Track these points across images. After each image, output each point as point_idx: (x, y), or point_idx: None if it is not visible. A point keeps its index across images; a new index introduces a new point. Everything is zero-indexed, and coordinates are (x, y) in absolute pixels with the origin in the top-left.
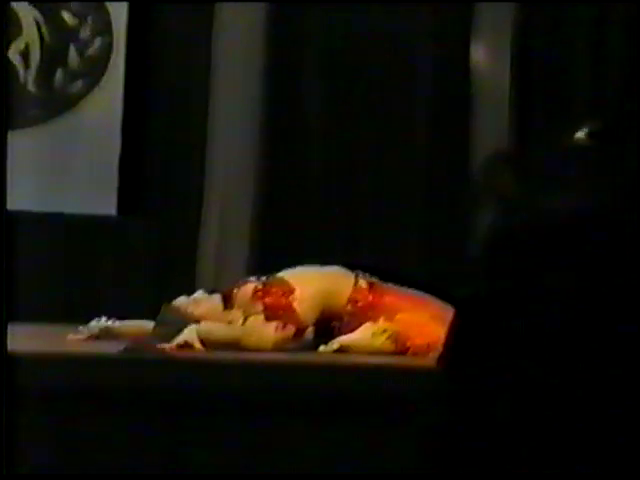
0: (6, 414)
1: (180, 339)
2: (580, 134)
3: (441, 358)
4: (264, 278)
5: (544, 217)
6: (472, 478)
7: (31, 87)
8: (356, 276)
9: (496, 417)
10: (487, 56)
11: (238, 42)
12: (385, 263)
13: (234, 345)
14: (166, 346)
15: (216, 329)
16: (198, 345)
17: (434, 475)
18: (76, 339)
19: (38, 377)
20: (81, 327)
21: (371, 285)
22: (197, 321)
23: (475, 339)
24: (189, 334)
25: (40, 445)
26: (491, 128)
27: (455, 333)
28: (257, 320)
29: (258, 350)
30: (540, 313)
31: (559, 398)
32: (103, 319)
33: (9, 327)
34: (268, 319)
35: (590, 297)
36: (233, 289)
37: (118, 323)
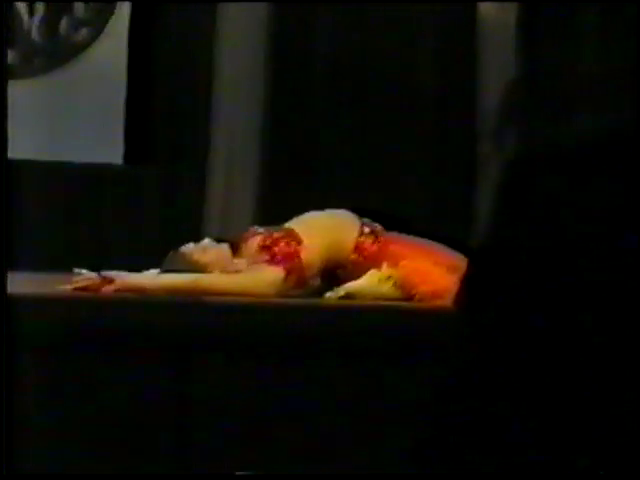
0: (6, 361)
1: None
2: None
3: (457, 300)
4: (272, 228)
5: (564, 143)
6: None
7: (35, 36)
8: (362, 225)
9: (514, 360)
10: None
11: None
12: (392, 210)
13: (235, 293)
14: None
15: (216, 281)
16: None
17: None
18: (71, 287)
19: (37, 319)
20: (77, 271)
21: (376, 233)
22: (203, 268)
23: (495, 279)
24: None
25: (39, 390)
26: (497, 72)
27: (473, 273)
28: (257, 266)
29: (260, 295)
30: (567, 250)
31: (579, 345)
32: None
33: (12, 275)
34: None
35: (618, 223)
36: (241, 239)
37: (123, 273)
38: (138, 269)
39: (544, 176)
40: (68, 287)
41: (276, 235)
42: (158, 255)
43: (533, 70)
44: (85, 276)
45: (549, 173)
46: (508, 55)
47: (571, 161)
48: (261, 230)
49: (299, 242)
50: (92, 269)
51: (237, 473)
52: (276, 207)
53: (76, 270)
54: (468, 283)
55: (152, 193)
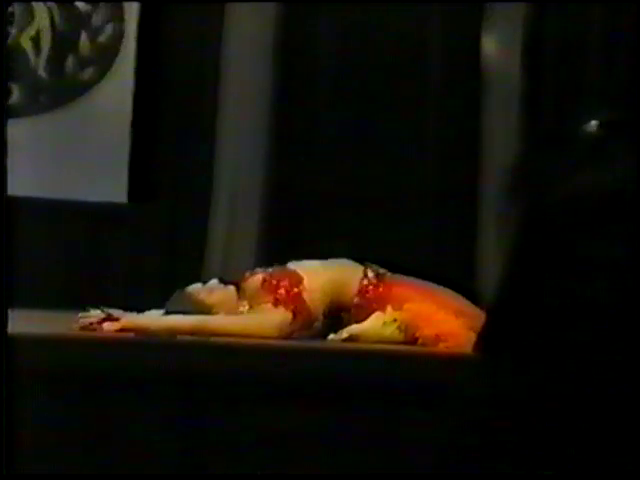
0: (7, 397)
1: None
2: (591, 125)
3: (478, 344)
4: (272, 269)
5: (576, 194)
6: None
7: (42, 73)
8: (365, 268)
9: (539, 403)
10: (498, 48)
11: (250, 28)
12: (394, 256)
13: (240, 335)
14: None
15: (222, 322)
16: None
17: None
18: (77, 326)
19: (40, 359)
20: (82, 314)
21: (379, 276)
22: (209, 309)
23: (515, 323)
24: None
25: (41, 428)
26: (501, 121)
27: (493, 318)
28: (262, 307)
29: (265, 337)
30: (582, 291)
31: (604, 381)
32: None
33: (17, 314)
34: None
35: (632, 271)
36: (242, 280)
37: (128, 313)
38: (141, 308)
39: (559, 228)
40: (74, 326)
41: (278, 275)
42: (161, 294)
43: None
44: (90, 314)
45: (563, 226)
46: (513, 102)
47: (582, 214)
48: (262, 271)
49: (300, 282)
50: (95, 308)
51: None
52: (278, 247)
53: (84, 311)
54: (488, 332)
55: (155, 232)
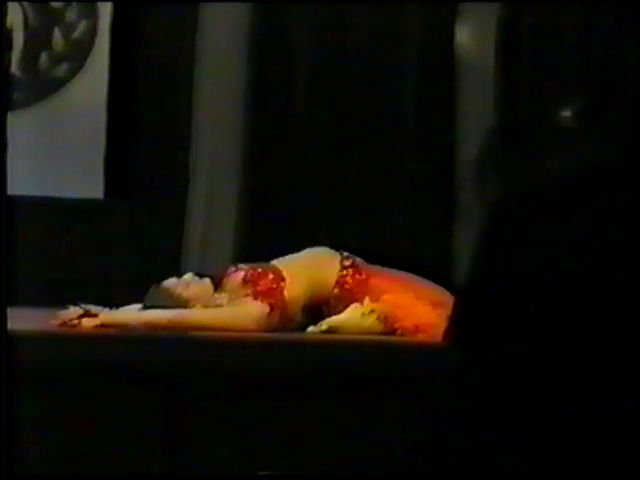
0: (6, 394)
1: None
2: (566, 114)
3: (447, 333)
4: (255, 265)
5: (544, 181)
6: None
7: (15, 70)
8: (342, 259)
9: (508, 390)
10: (472, 36)
11: (225, 23)
12: (371, 247)
13: (218, 328)
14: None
15: (199, 316)
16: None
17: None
18: (57, 323)
19: (32, 356)
20: (61, 312)
21: (356, 267)
22: (186, 303)
23: (484, 311)
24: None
25: (40, 425)
26: (476, 109)
27: (461, 307)
28: (240, 300)
29: (243, 330)
30: (552, 278)
31: (575, 366)
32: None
33: None
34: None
35: (602, 255)
36: (224, 275)
37: (104, 310)
38: (119, 303)
39: (527, 214)
40: (53, 322)
41: (260, 271)
42: (139, 289)
43: (511, 111)
44: (69, 311)
45: (531, 211)
46: (487, 94)
47: (550, 199)
48: (244, 266)
49: (282, 279)
50: (72, 303)
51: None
52: (256, 241)
53: (63, 307)
54: (457, 319)
55: (132, 227)
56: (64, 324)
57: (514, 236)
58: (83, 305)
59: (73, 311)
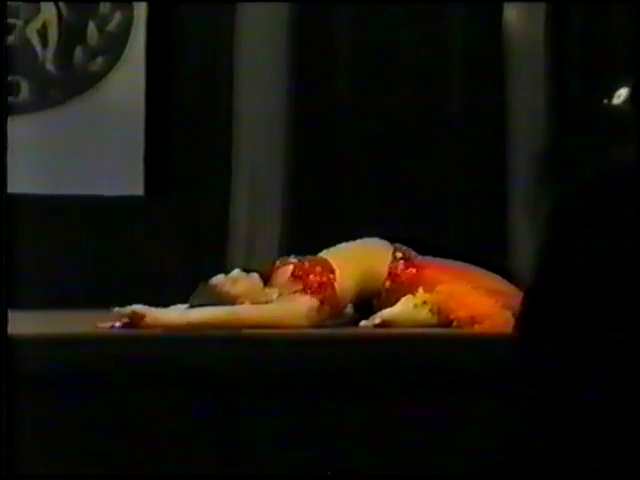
0: (7, 398)
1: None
2: (620, 94)
3: (518, 326)
4: (304, 258)
5: (603, 179)
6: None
7: (50, 66)
8: (394, 251)
9: (580, 382)
10: (521, 17)
11: (265, 10)
12: (423, 237)
13: (270, 325)
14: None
15: (250, 312)
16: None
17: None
18: (107, 326)
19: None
20: (117, 309)
21: (409, 259)
22: (234, 300)
23: (555, 304)
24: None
25: (42, 429)
26: (526, 92)
27: (533, 299)
28: (291, 296)
29: (294, 326)
30: (618, 274)
31: None
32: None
33: (35, 314)
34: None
35: None
36: (273, 268)
37: (153, 309)
38: (164, 303)
39: (592, 205)
40: (107, 325)
41: (308, 264)
42: (183, 288)
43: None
44: (119, 313)
45: (594, 205)
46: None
47: (614, 190)
48: (293, 259)
49: (332, 271)
50: (116, 304)
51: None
52: (303, 234)
53: (115, 309)
54: (527, 312)
55: (175, 224)
56: (111, 327)
57: (580, 228)
58: (128, 307)
59: (121, 312)
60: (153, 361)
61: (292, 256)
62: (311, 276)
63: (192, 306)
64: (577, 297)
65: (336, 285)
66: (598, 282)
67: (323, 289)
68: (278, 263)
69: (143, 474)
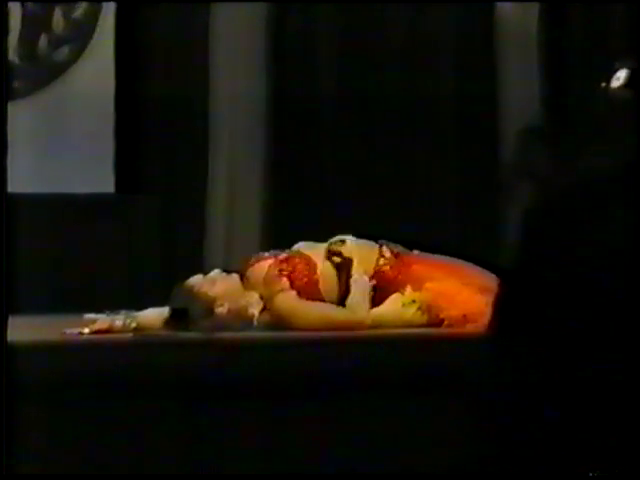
0: (6, 405)
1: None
2: (618, 79)
3: (490, 325)
4: (280, 252)
5: (577, 184)
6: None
7: (12, 56)
8: (380, 246)
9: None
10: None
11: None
12: (410, 233)
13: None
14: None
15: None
16: None
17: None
18: (74, 332)
19: (39, 366)
20: (87, 316)
21: (397, 254)
22: (212, 302)
23: (526, 303)
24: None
25: (40, 437)
26: (519, 82)
27: (504, 299)
28: (277, 296)
29: (352, 328)
30: (590, 274)
31: (614, 363)
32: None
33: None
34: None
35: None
36: (247, 266)
37: (131, 314)
38: (136, 304)
39: (571, 203)
40: (85, 330)
41: (290, 259)
42: (159, 289)
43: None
44: (100, 320)
45: (575, 201)
46: (529, 72)
47: (598, 189)
48: (267, 255)
49: (314, 266)
50: (88, 308)
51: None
52: (283, 231)
53: (87, 316)
54: (502, 305)
55: (148, 223)
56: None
57: (560, 224)
58: (108, 312)
59: (102, 319)
60: (153, 367)
61: (267, 252)
62: (296, 272)
63: (171, 309)
64: (552, 292)
65: (321, 282)
66: (575, 278)
67: (308, 288)
68: (253, 260)
69: (143, 474)
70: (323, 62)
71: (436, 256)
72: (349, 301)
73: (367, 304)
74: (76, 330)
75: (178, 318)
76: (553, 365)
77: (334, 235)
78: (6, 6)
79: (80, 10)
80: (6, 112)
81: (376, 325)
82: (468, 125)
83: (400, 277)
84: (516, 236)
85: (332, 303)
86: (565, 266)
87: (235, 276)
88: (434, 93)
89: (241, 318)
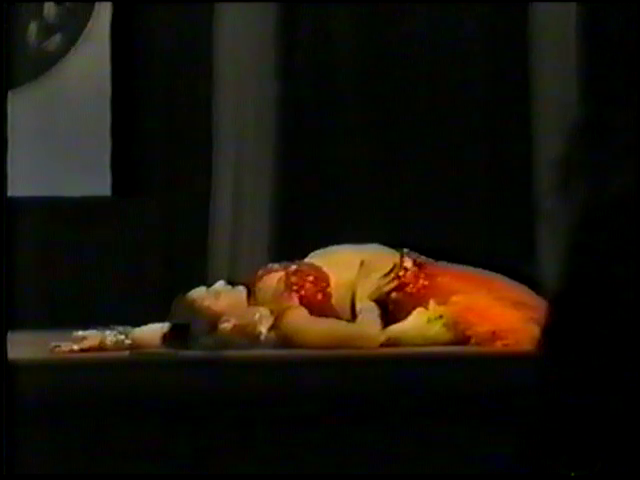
0: (6, 423)
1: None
2: None
3: (540, 343)
4: (291, 264)
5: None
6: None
7: None
8: (401, 256)
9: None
10: (548, 15)
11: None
12: (437, 242)
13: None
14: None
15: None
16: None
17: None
18: (66, 350)
19: (39, 385)
20: (77, 333)
21: (420, 265)
22: (217, 317)
23: (578, 321)
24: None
25: (40, 454)
26: (556, 101)
27: (556, 316)
28: (287, 311)
29: (362, 348)
30: None
31: None
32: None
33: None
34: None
35: None
36: (255, 279)
37: (126, 329)
38: (134, 314)
39: (616, 222)
40: (74, 347)
41: (300, 273)
42: (158, 302)
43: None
44: (91, 336)
45: (620, 219)
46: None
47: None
48: (277, 266)
49: (326, 280)
50: (83, 318)
51: None
52: (292, 240)
53: (76, 333)
54: (552, 327)
55: (147, 229)
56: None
57: (607, 241)
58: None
59: (93, 336)
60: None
61: (277, 264)
62: (306, 289)
63: (172, 324)
64: (608, 310)
65: (334, 299)
66: (630, 294)
67: (320, 305)
68: (261, 272)
69: (143, 474)
70: (336, 64)
71: (464, 267)
72: (359, 317)
73: (378, 319)
74: (66, 347)
75: (178, 334)
76: (606, 387)
77: (350, 242)
78: (6, 6)
79: None
80: (6, 114)
81: (395, 342)
82: (500, 126)
83: (423, 290)
84: (560, 249)
85: (346, 318)
86: (617, 282)
87: (241, 289)
88: (463, 97)
89: (247, 335)
